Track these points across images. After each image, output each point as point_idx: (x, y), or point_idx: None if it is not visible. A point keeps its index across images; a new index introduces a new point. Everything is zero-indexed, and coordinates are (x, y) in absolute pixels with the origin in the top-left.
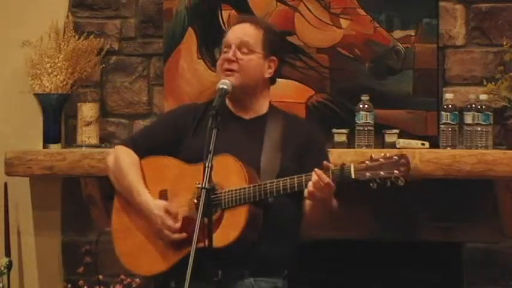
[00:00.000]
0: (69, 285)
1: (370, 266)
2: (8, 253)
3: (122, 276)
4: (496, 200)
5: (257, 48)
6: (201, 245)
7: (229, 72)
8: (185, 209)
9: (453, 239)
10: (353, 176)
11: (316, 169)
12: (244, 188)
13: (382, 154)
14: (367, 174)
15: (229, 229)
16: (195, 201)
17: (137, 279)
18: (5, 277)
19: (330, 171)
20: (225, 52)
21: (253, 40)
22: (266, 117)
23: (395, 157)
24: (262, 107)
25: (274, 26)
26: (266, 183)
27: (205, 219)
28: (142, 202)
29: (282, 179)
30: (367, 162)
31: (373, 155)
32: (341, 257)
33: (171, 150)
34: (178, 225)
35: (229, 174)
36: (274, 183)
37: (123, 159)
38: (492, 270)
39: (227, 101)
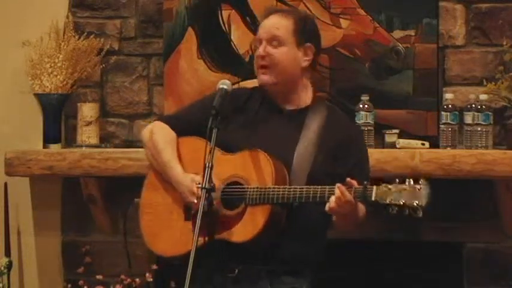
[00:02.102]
0: (69, 285)
1: (370, 266)
2: (8, 253)
3: (122, 276)
4: (496, 200)
5: (288, 39)
6: (222, 235)
7: (263, 70)
8: None
9: (453, 239)
10: (373, 199)
11: (339, 185)
12: (269, 189)
13: (407, 181)
14: (388, 199)
15: (249, 226)
16: (195, 201)
17: (137, 279)
18: (5, 277)
19: (353, 189)
20: (258, 48)
21: (283, 31)
22: (308, 110)
23: (418, 187)
24: (304, 98)
25: (308, 14)
26: (290, 189)
27: (228, 212)
28: (173, 175)
29: (306, 187)
30: (390, 186)
31: (398, 180)
32: (341, 256)
33: (206, 133)
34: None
35: (257, 170)
36: (298, 190)
37: (159, 134)
38: (492, 270)
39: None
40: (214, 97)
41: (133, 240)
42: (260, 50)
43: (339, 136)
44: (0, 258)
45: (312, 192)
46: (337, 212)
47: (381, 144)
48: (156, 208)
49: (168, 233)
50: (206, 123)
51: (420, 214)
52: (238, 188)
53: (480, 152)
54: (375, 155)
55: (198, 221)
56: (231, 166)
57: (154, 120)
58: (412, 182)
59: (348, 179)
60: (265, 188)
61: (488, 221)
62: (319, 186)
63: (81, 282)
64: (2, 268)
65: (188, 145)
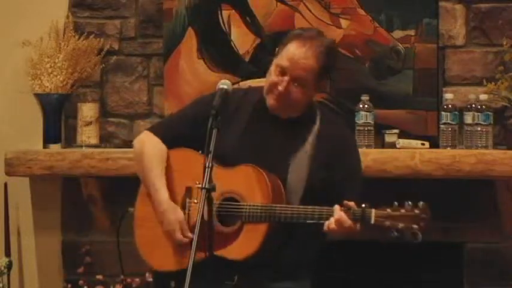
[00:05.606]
0: (69, 285)
1: (370, 266)
2: (8, 253)
3: (122, 276)
4: (496, 200)
5: (310, 82)
6: (219, 252)
7: (277, 101)
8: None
9: (453, 239)
10: (372, 222)
11: (338, 208)
12: (266, 207)
13: (406, 204)
14: (387, 223)
15: (247, 243)
16: (195, 201)
17: (137, 279)
18: (5, 277)
19: (351, 211)
20: (279, 74)
21: (309, 75)
22: (301, 119)
23: (417, 211)
24: (300, 108)
25: (332, 43)
26: (291, 208)
27: (225, 229)
28: (158, 200)
29: (303, 207)
30: (388, 210)
31: (396, 203)
32: (341, 257)
33: (196, 143)
34: (187, 240)
35: (253, 187)
36: (295, 210)
37: (149, 148)
38: (492, 270)
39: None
40: (198, 106)
41: (133, 240)
42: (282, 87)
43: (333, 144)
44: (0, 258)
45: (309, 213)
46: (337, 233)
47: (381, 144)
48: (149, 222)
49: (163, 248)
50: (196, 136)
51: (419, 239)
52: (234, 204)
53: (480, 152)
54: (374, 155)
55: (198, 223)
56: (226, 181)
57: (148, 127)
58: (410, 205)
59: (345, 202)
60: (263, 206)
61: (488, 221)
62: (317, 207)
63: (81, 282)
64: (2, 268)
65: (179, 157)
